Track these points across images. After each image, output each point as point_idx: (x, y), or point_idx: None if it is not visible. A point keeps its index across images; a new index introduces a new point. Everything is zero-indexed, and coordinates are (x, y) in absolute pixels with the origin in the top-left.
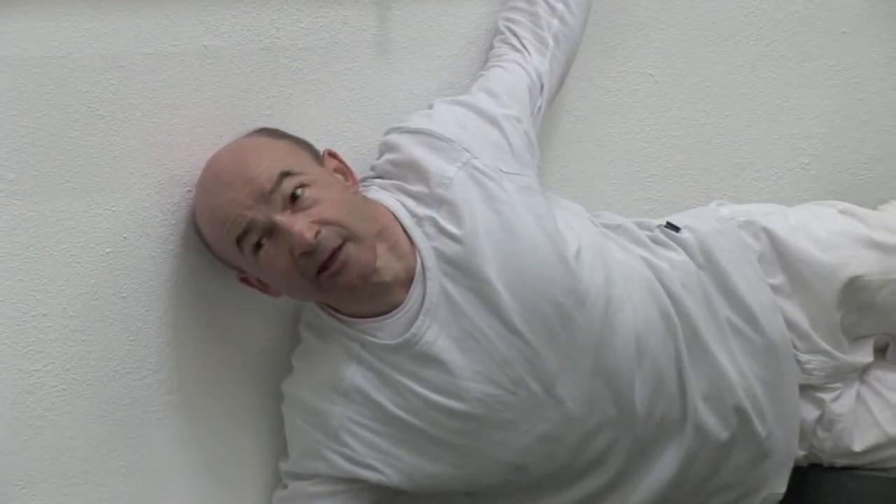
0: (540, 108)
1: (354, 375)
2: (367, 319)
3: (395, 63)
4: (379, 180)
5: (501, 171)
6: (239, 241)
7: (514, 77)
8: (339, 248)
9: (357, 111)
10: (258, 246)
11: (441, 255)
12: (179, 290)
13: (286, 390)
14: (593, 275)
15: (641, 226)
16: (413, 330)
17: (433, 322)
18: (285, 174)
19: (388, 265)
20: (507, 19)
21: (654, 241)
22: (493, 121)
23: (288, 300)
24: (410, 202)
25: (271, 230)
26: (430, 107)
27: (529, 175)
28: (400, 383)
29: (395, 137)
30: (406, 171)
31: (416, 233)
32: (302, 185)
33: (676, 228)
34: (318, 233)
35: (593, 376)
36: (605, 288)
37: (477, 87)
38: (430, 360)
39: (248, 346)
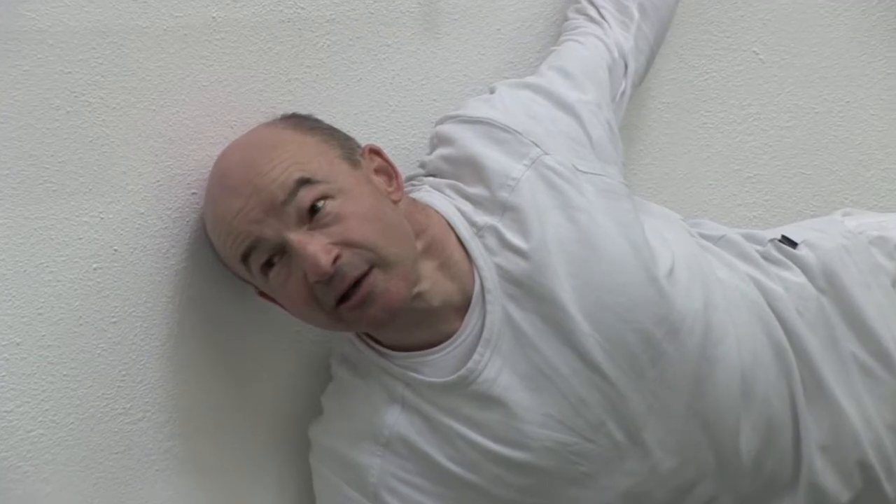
0: (624, 92)
1: (398, 421)
2: (414, 353)
3: (445, 38)
4: (431, 179)
5: (578, 170)
6: (245, 257)
7: (591, 53)
8: (365, 275)
9: (398, 96)
10: (268, 265)
11: (504, 274)
12: (182, 313)
13: (315, 437)
14: (690, 298)
15: (750, 238)
16: (470, 365)
17: (494, 355)
18: (303, 182)
19: (437, 287)
20: None
21: (766, 257)
22: (567, 108)
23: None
24: (468, 207)
25: (283, 248)
26: (492, 91)
27: (612, 174)
28: (452, 430)
29: (449, 128)
30: (463, 169)
31: (474, 246)
32: (323, 197)
33: (793, 244)
34: (337, 257)
35: (688, 421)
36: (704, 314)
37: (547, 65)
38: (490, 401)
39: (268, 382)
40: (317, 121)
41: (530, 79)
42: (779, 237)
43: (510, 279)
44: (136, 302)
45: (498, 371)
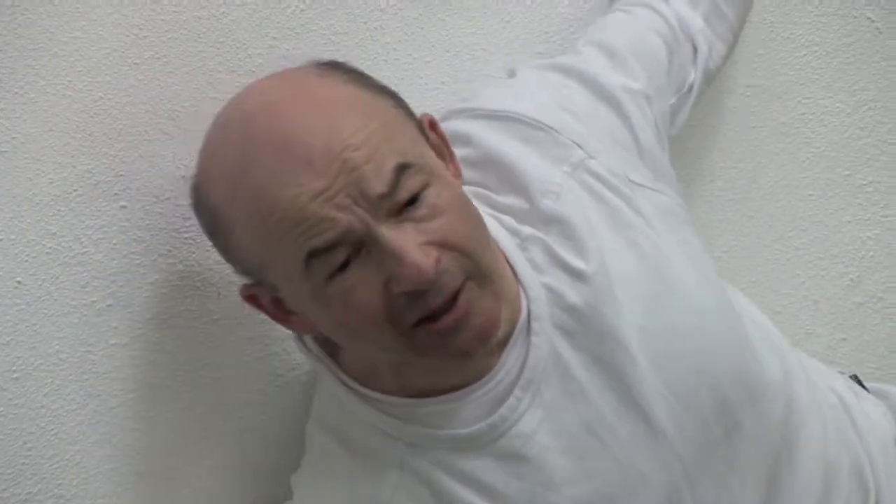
0: (692, 85)
1: (395, 495)
2: (430, 399)
3: (472, 8)
4: None
5: (632, 181)
6: (314, 255)
7: (645, 26)
8: (459, 289)
9: (394, 78)
10: (342, 267)
11: (556, 299)
12: (106, 366)
13: None
14: (770, 362)
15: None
16: (503, 411)
17: (535, 403)
18: (403, 168)
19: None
20: None
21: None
22: (609, 98)
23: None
24: (506, 218)
25: (363, 245)
26: (512, 75)
27: (668, 193)
28: (464, 501)
29: (461, 124)
30: (489, 175)
31: (519, 260)
32: (426, 186)
33: (862, 386)
34: (437, 261)
35: None
36: (786, 387)
37: (586, 40)
38: (521, 463)
39: (243, 461)
40: (373, 79)
41: (563, 58)
42: (850, 375)
43: (563, 306)
44: (46, 352)
45: (537, 425)
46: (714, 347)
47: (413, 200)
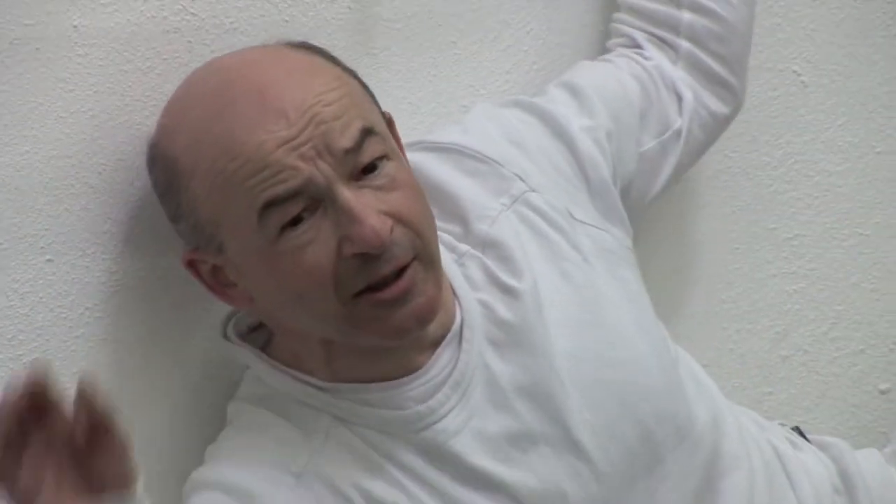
0: (680, 131)
1: (323, 449)
2: (357, 385)
3: (382, 54)
4: None
5: (574, 217)
6: (273, 205)
7: (617, 68)
8: (407, 265)
9: None
10: (295, 222)
11: (489, 314)
12: None
13: (197, 479)
14: (700, 408)
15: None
16: (431, 403)
17: (462, 404)
18: (368, 132)
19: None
20: (618, 19)
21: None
22: (563, 135)
23: None
24: (445, 236)
25: (320, 203)
26: (468, 111)
27: (614, 232)
28: (390, 476)
29: (414, 156)
30: (430, 202)
31: (456, 275)
32: (384, 156)
33: (804, 437)
34: (391, 230)
35: None
36: (714, 431)
37: (556, 82)
38: (442, 459)
39: None
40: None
41: (527, 97)
42: (792, 426)
43: (495, 320)
44: None
45: (462, 425)
46: (643, 383)
47: (373, 168)
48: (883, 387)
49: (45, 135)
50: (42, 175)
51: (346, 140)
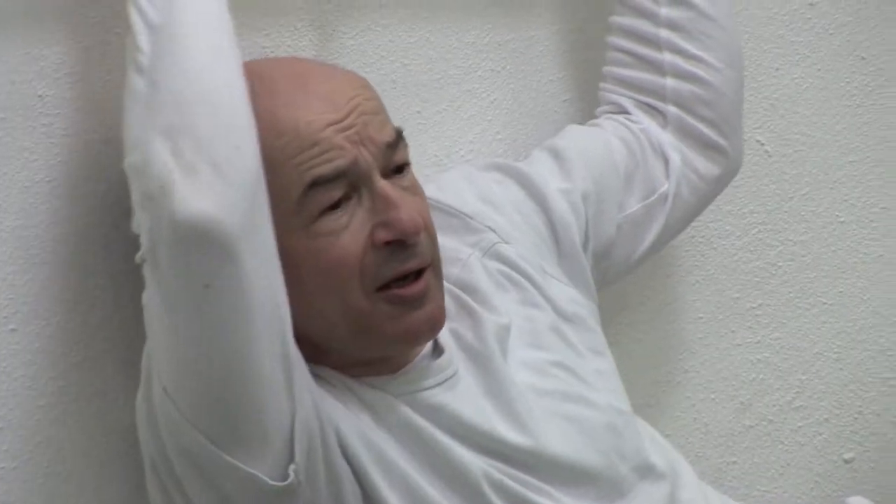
0: (665, 196)
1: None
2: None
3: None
4: None
5: (545, 271)
6: (317, 183)
7: (604, 131)
8: (426, 268)
9: None
10: (335, 206)
11: (458, 342)
12: (8, 482)
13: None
14: (655, 455)
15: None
16: (441, 361)
17: (449, 385)
18: (401, 135)
19: None
20: (605, 89)
21: None
22: (538, 196)
23: None
24: None
25: (357, 190)
26: (446, 171)
27: (583, 304)
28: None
29: None
30: None
31: None
32: (408, 164)
33: None
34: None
35: None
36: (673, 477)
37: (542, 145)
38: (439, 411)
39: None
40: None
41: (506, 161)
42: None
43: (463, 346)
44: None
45: (449, 401)
46: (605, 421)
47: (401, 170)
48: (847, 456)
49: (10, 205)
50: (5, 244)
51: (385, 135)
